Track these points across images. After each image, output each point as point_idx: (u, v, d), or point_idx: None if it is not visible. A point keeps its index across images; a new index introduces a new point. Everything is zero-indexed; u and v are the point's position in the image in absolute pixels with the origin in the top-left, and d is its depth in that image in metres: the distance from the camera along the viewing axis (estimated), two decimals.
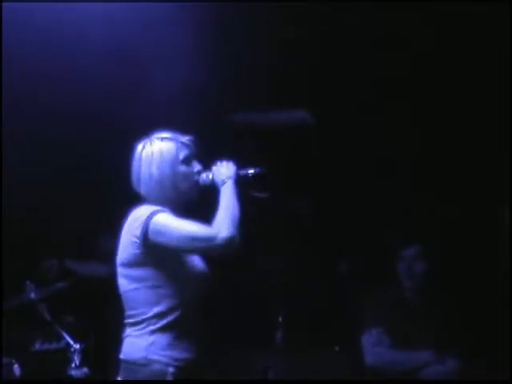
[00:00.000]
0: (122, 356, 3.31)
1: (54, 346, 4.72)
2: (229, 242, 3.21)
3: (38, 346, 4.81)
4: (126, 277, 3.33)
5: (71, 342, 4.50)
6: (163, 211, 3.31)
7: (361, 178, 5.43)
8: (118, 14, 4.74)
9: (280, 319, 4.86)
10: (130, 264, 3.31)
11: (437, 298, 4.87)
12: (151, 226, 3.24)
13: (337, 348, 4.92)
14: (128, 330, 3.33)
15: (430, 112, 5.32)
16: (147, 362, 3.22)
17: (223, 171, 3.41)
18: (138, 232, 3.26)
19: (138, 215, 3.32)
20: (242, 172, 3.42)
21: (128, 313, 3.33)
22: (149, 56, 4.97)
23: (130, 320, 3.32)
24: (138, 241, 3.27)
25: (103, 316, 5.37)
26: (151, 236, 3.24)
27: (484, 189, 5.17)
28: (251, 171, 3.43)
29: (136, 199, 3.37)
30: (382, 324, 4.76)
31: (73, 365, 4.42)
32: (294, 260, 5.32)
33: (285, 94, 5.38)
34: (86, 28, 4.78)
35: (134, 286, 3.30)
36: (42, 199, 5.45)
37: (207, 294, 3.39)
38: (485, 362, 4.67)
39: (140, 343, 3.25)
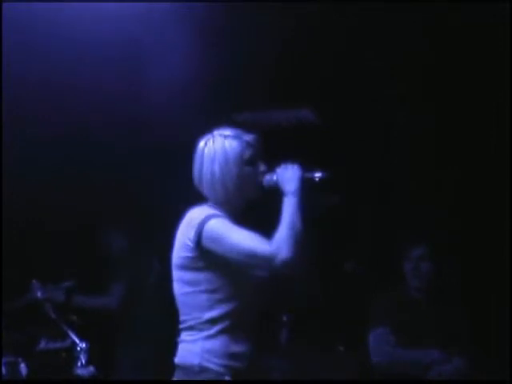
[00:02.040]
0: (176, 360, 3.20)
1: (59, 344, 4.70)
2: (288, 264, 3.01)
3: (43, 344, 4.79)
4: (179, 280, 3.21)
5: (77, 341, 4.51)
6: (218, 216, 3.16)
7: (367, 177, 5.44)
8: (119, 13, 4.74)
9: (284, 318, 4.86)
10: (183, 267, 3.19)
11: (443, 297, 4.86)
12: (205, 231, 3.11)
13: (341, 348, 4.92)
14: (182, 335, 3.21)
15: (435, 112, 5.33)
16: (201, 369, 3.11)
17: (288, 174, 3.19)
18: (192, 235, 3.13)
19: (194, 216, 3.18)
20: (308, 175, 3.20)
21: (182, 317, 3.22)
22: (150, 56, 4.96)
23: (184, 325, 3.21)
24: (191, 244, 3.14)
25: (109, 315, 5.41)
26: (204, 241, 3.11)
27: (492, 189, 5.18)
28: (318, 174, 3.22)
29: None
30: (389, 323, 4.74)
31: (79, 363, 4.43)
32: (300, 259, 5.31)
33: (288, 92, 5.38)
34: (87, 28, 4.77)
35: (186, 289, 3.18)
36: (46, 198, 5.47)
37: (264, 299, 3.26)
38: (491, 361, 4.69)
39: (194, 349, 3.14)
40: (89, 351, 4.46)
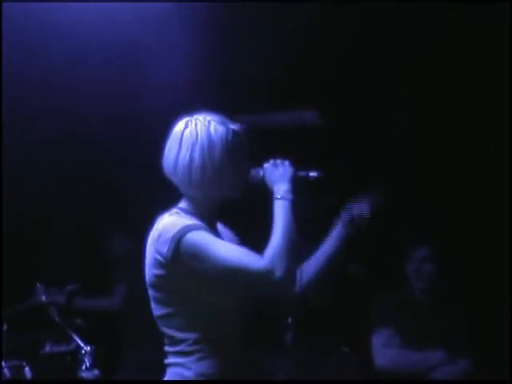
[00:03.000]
0: None
1: (63, 348, 4.70)
2: (287, 281, 2.62)
3: (48, 348, 4.78)
4: (156, 300, 2.82)
5: (82, 345, 4.51)
6: (197, 228, 2.71)
7: (367, 177, 5.43)
8: (119, 13, 4.73)
9: (289, 320, 4.86)
10: (158, 286, 2.79)
11: (445, 298, 4.87)
12: (182, 246, 2.67)
13: (346, 349, 4.92)
14: (170, 358, 2.85)
15: (435, 112, 5.33)
16: None
17: (278, 172, 2.84)
18: (164, 250, 2.71)
19: (165, 228, 2.75)
20: (302, 174, 2.90)
21: (167, 340, 2.85)
22: (149, 56, 4.95)
23: (171, 348, 2.84)
24: (163, 260, 2.73)
25: (114, 318, 5.41)
26: (182, 257, 2.68)
27: (492, 189, 5.18)
28: (313, 173, 2.93)
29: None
30: (392, 325, 4.75)
31: (84, 367, 4.43)
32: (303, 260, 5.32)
33: (287, 92, 5.38)
34: (87, 28, 4.76)
35: (166, 310, 2.79)
36: (46, 198, 5.46)
37: (249, 310, 2.90)
38: (491, 361, 4.70)
39: (186, 374, 2.78)
40: (93, 354, 4.47)
